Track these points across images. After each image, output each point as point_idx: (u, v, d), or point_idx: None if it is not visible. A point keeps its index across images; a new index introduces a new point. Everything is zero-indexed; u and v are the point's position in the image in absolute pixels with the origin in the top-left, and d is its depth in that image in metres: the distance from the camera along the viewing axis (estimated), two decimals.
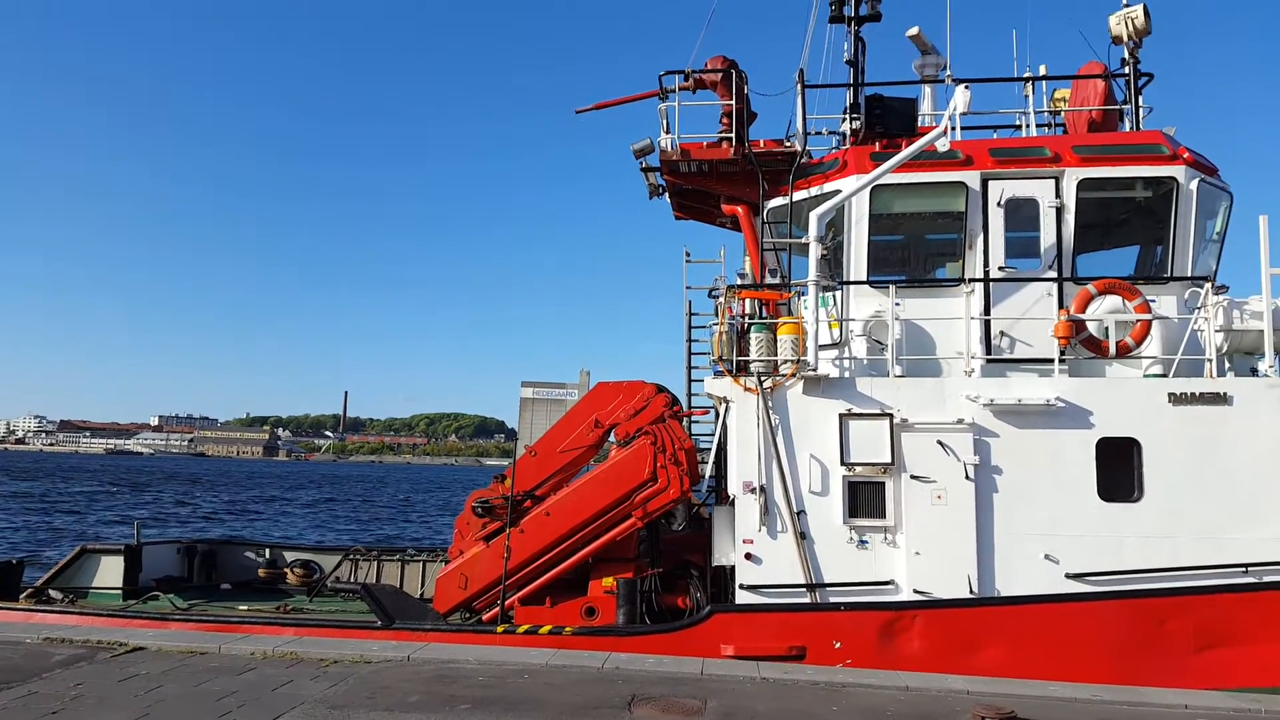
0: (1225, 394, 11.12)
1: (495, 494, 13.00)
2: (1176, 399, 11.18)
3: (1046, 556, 11.12)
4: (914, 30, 14.41)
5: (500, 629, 11.80)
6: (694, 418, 14.70)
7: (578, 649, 10.83)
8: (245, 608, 14.19)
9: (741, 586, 11.66)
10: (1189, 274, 12.22)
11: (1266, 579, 10.62)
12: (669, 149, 13.48)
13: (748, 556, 11.70)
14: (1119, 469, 11.20)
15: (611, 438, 13.19)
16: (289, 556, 16.94)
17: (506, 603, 12.37)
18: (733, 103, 13.21)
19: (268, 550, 17.30)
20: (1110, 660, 10.45)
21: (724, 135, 13.43)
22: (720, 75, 13.33)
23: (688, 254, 14.59)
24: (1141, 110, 13.29)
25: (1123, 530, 11.07)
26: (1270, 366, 11.46)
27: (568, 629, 11.60)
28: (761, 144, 13.62)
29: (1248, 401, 11.06)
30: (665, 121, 13.54)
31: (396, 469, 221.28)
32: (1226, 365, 11.91)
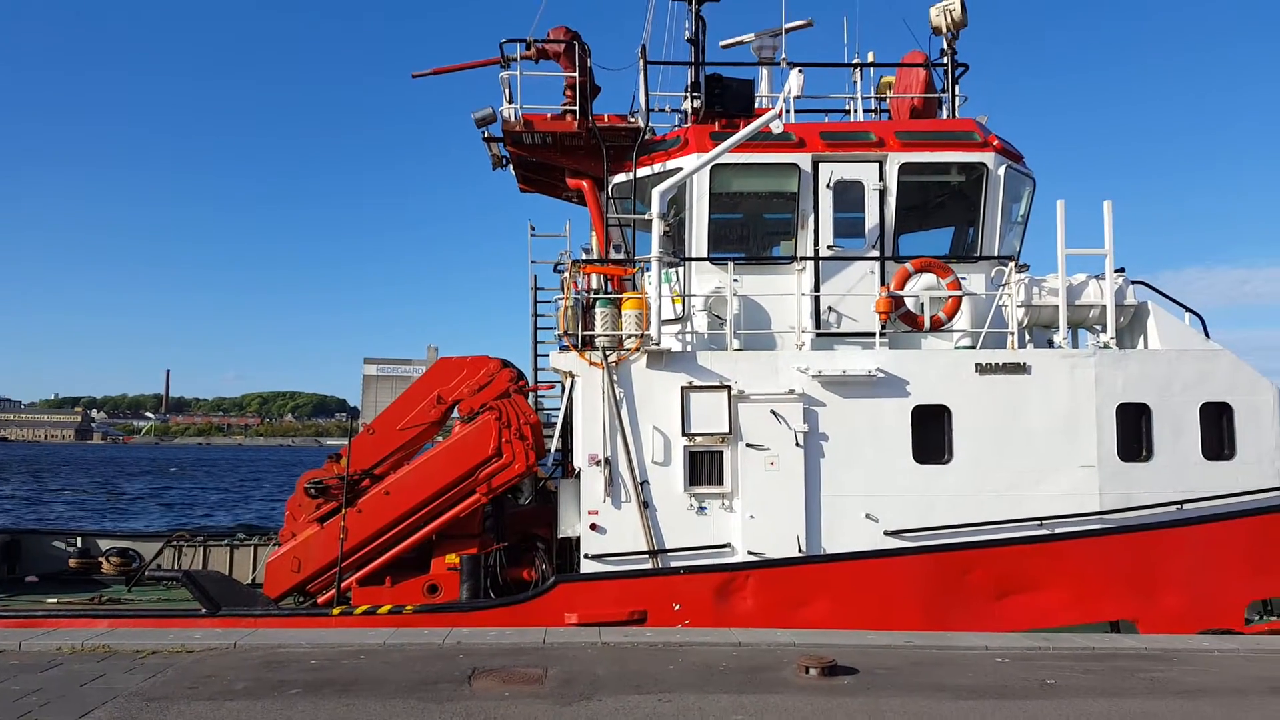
0: (1024, 364, 12.22)
1: (330, 474, 12.53)
2: (982, 369, 12.19)
3: (867, 516, 11.92)
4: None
5: (336, 611, 11.46)
6: (540, 392, 14.71)
7: (419, 627, 10.66)
8: (53, 601, 13.08)
9: (586, 556, 11.85)
10: (996, 254, 13.31)
11: (1057, 531, 11.82)
12: (511, 119, 13.30)
13: (593, 527, 11.89)
14: (932, 434, 12.13)
15: (455, 414, 12.98)
16: (104, 545, 15.69)
17: (343, 584, 12.01)
18: (576, 75, 13.16)
19: (79, 539, 15.96)
20: (922, 609, 11.35)
21: (568, 108, 13.39)
22: (563, 47, 13.25)
23: (532, 227, 14.49)
24: (957, 99, 14.26)
25: (934, 490, 12.01)
26: (1064, 339, 12.70)
27: (408, 607, 11.40)
28: (606, 119, 13.68)
29: (1043, 371, 12.21)
30: (508, 91, 13.35)
31: (227, 451, 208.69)
32: (1026, 338, 13.08)
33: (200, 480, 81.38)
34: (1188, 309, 13.17)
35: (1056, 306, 12.71)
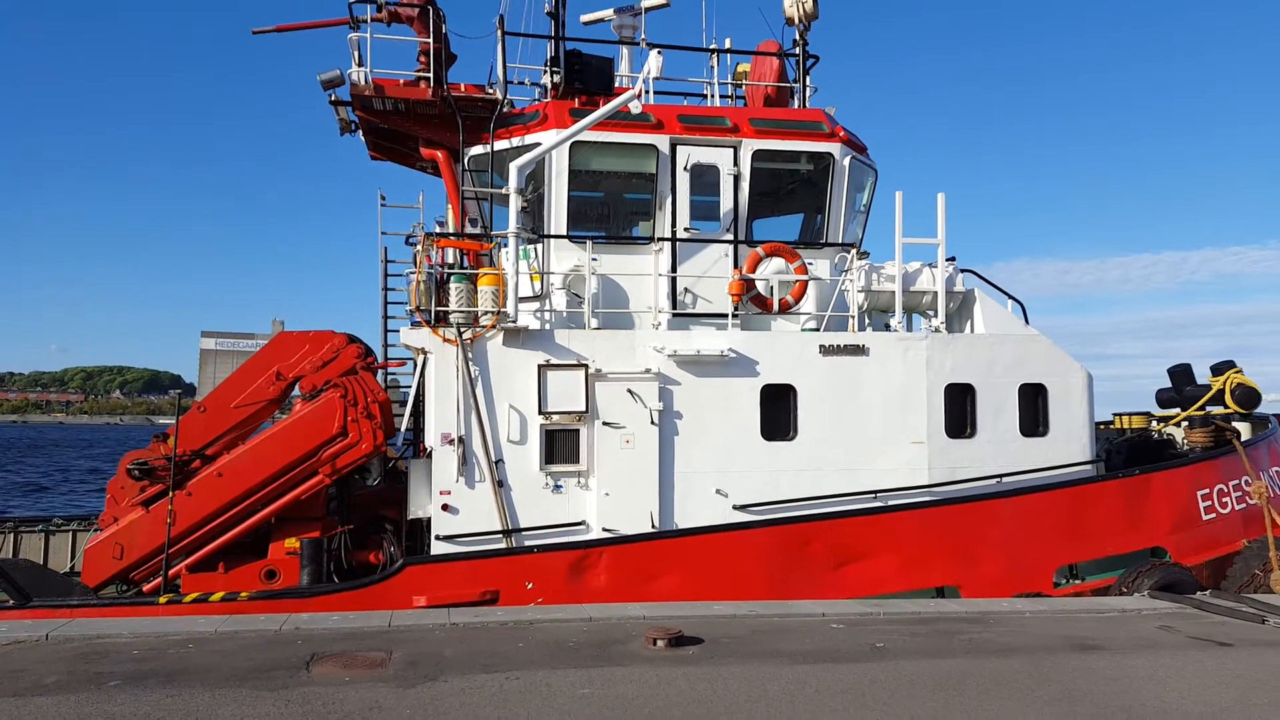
0: (863, 346, 12.86)
1: (156, 454, 11.70)
2: (825, 350, 12.75)
3: (718, 491, 12.28)
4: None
5: (164, 599, 10.76)
6: (393, 370, 14.27)
7: (255, 614, 10.16)
8: None
9: (438, 537, 11.64)
10: (840, 241, 13.92)
11: (890, 503, 12.54)
12: (361, 83, 12.77)
13: (445, 507, 11.69)
14: (779, 412, 12.60)
15: (297, 391, 12.40)
16: None
17: (172, 571, 11.28)
18: (430, 41, 12.74)
19: None
20: (767, 579, 11.79)
21: (421, 75, 12.96)
22: (417, 10, 12.79)
23: (383, 197, 13.99)
24: (808, 90, 14.75)
25: (780, 465, 12.49)
26: (899, 323, 13.44)
27: (243, 594, 10.85)
28: (463, 88, 13.32)
29: (880, 353, 12.89)
30: (356, 53, 12.80)
31: (47, 429, 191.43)
32: (866, 321, 13.76)
33: (16, 458, 74.41)
34: (1011, 296, 14.24)
35: (894, 292, 13.43)
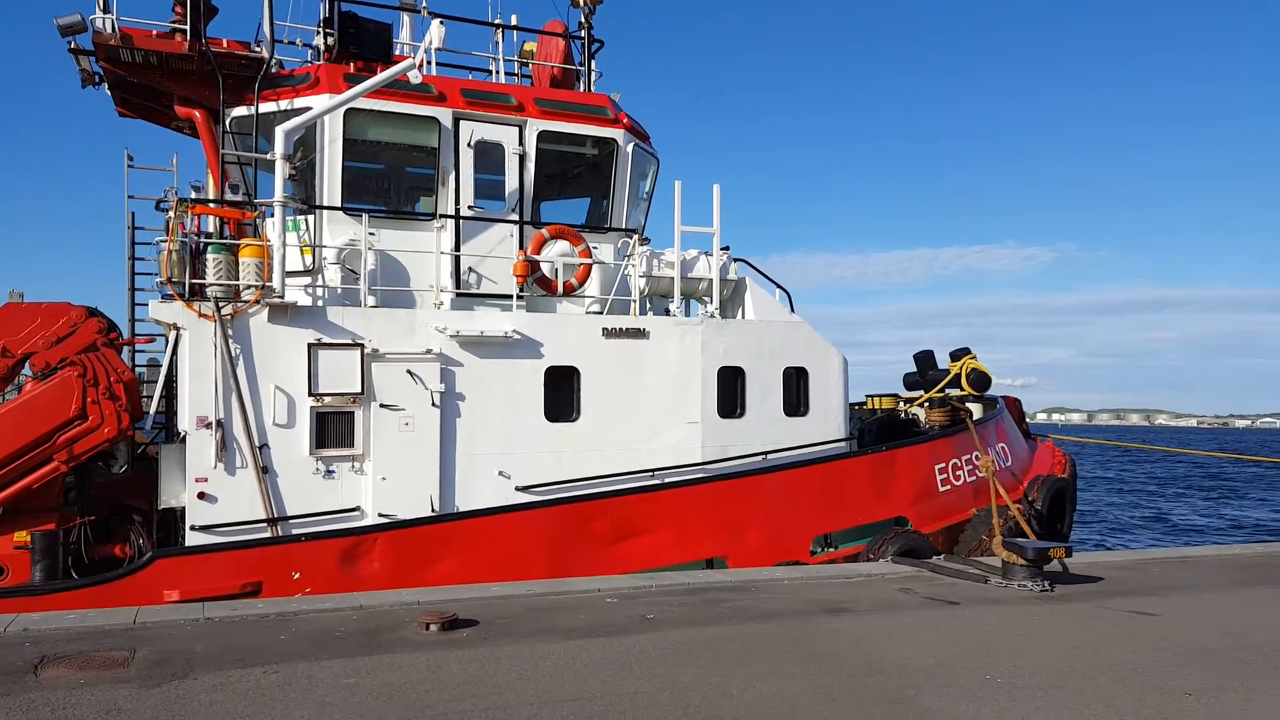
0: (644, 330, 13.27)
1: None
2: (608, 333, 13.04)
3: (500, 473, 12.27)
4: None
5: None
6: (140, 346, 13.05)
7: None
8: None
9: (193, 528, 10.84)
10: (624, 226, 14.24)
11: (666, 480, 13.06)
12: (106, 31, 11.50)
13: (201, 496, 10.88)
14: (562, 393, 12.75)
15: (27, 370, 11.04)
16: None
17: None
18: None
19: None
20: (548, 558, 11.93)
21: (177, 26, 11.86)
22: None
23: (130, 158, 12.69)
24: (593, 74, 14.92)
25: (564, 446, 12.67)
26: (677, 308, 13.97)
27: None
28: (225, 44, 12.34)
29: (660, 336, 13.36)
30: None
31: None
32: (647, 306, 14.19)
33: None
34: (779, 285, 15.22)
35: (673, 278, 13.93)
